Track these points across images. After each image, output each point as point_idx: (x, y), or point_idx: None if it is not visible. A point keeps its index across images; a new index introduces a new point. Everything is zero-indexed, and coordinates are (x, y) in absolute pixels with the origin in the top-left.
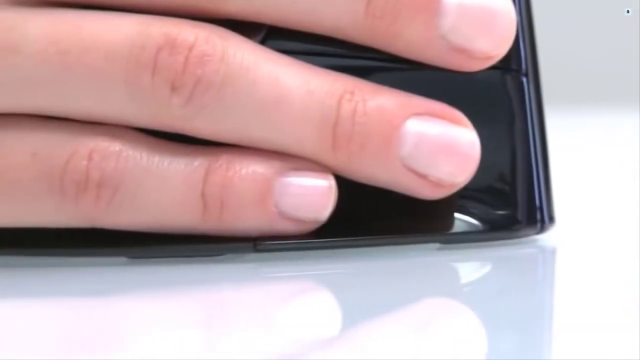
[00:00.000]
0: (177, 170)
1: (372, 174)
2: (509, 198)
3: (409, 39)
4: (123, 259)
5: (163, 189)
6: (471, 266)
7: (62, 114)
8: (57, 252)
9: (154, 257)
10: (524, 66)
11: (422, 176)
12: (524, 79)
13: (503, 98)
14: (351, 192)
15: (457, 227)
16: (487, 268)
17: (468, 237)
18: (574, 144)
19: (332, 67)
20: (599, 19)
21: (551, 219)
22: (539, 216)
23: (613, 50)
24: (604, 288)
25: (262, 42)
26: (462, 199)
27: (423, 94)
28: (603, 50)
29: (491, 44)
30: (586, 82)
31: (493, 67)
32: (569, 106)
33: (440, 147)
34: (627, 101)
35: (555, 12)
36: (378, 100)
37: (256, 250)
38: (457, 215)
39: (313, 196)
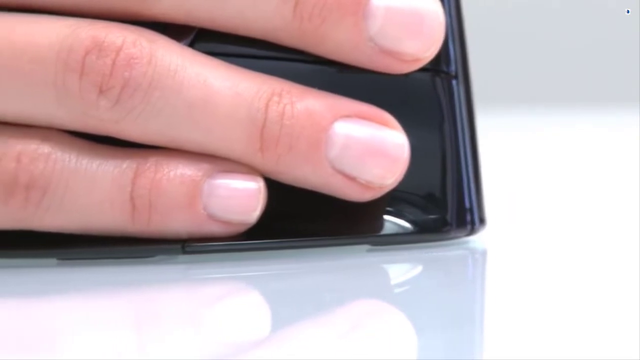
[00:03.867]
0: (106, 173)
1: (301, 176)
2: (439, 200)
3: (337, 41)
4: (53, 261)
5: (91, 191)
6: (401, 268)
7: None
8: None
9: (84, 259)
10: (453, 68)
11: (351, 178)
12: (454, 81)
13: (433, 100)
14: (281, 193)
15: (387, 229)
16: (417, 269)
17: (398, 239)
18: (574, 144)
19: (262, 69)
20: (599, 19)
21: (482, 220)
22: (468, 218)
23: (613, 50)
24: (533, 289)
25: (192, 45)
26: (392, 200)
27: (352, 96)
28: (603, 50)
29: (419, 46)
30: (586, 82)
31: (423, 69)
32: (568, 106)
33: (369, 149)
34: (627, 101)
35: (555, 12)
36: (306, 102)
37: (185, 252)
38: (387, 217)
39: (241, 198)
